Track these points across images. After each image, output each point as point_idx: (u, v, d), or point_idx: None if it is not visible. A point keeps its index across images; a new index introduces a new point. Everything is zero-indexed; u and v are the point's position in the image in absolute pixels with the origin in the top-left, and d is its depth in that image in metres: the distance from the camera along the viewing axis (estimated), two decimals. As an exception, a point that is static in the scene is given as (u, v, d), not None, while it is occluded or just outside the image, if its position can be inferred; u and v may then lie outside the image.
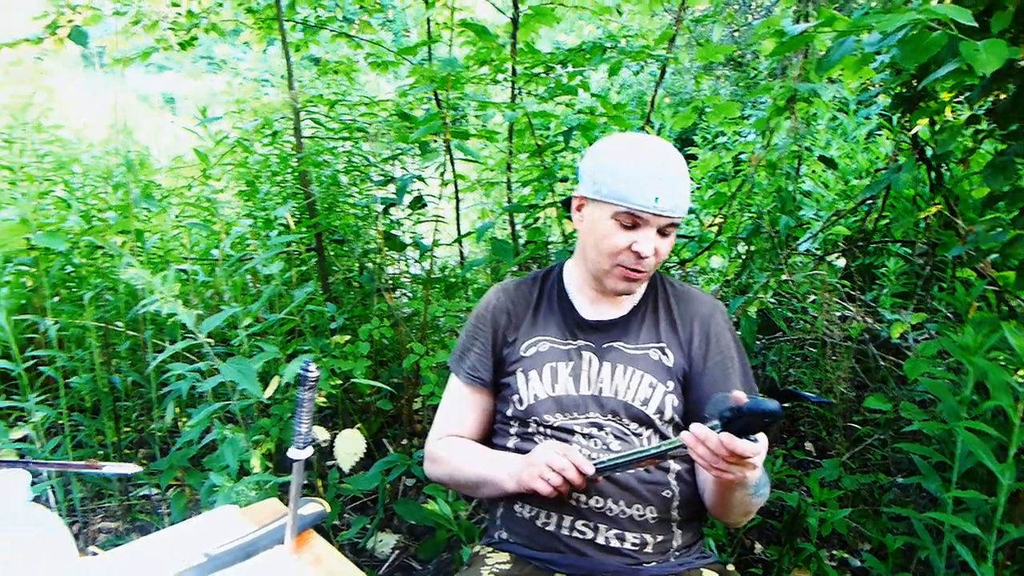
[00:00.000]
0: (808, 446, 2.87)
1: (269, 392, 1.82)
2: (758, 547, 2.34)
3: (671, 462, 1.32)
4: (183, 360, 2.20)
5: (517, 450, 1.37)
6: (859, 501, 2.38)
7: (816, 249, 3.07)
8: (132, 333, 2.52)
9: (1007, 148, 2.02)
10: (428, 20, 3.17)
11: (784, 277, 2.63)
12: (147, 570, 0.99)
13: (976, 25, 1.44)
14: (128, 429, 2.69)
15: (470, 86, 2.82)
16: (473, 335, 1.48)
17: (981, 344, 1.76)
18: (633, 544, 1.27)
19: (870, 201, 3.00)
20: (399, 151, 3.02)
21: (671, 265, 3.06)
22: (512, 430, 1.40)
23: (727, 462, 1.05)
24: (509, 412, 1.40)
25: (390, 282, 3.06)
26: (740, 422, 1.01)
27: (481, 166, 3.43)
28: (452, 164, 2.80)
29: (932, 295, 2.78)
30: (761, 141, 2.82)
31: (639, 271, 1.31)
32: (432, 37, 3.15)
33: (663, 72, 3.00)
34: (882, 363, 2.48)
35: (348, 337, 2.37)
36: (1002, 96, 2.10)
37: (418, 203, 2.91)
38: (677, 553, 1.31)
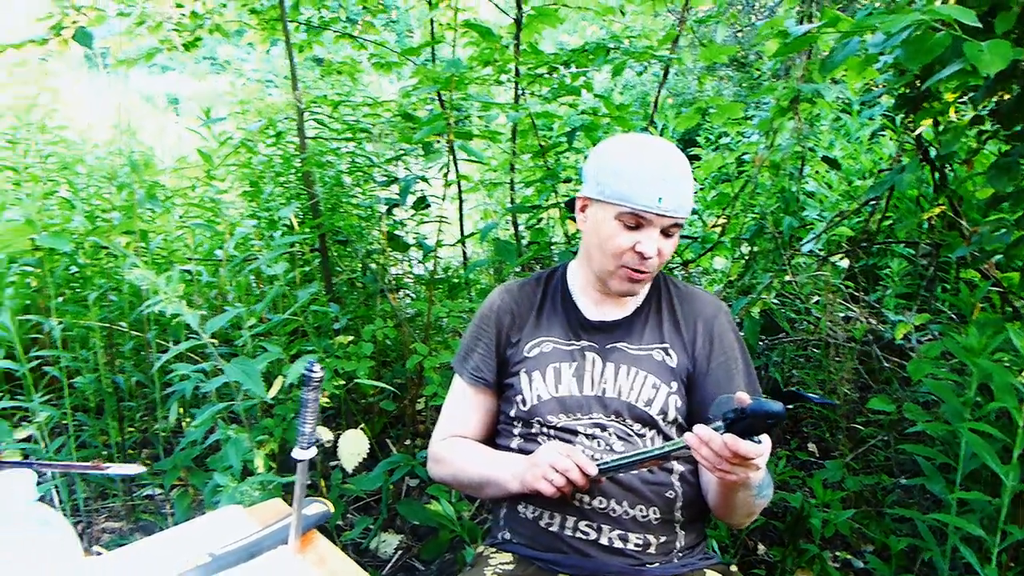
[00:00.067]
0: (811, 447, 2.87)
1: (273, 392, 1.82)
2: (761, 548, 2.34)
3: (674, 463, 1.32)
4: (187, 360, 2.20)
5: (520, 451, 1.37)
6: (862, 502, 2.37)
7: (819, 250, 3.06)
8: (136, 333, 2.52)
9: (1011, 149, 2.02)
10: (432, 21, 3.17)
11: (787, 278, 2.63)
12: (152, 570, 0.99)
13: (980, 26, 1.44)
14: (132, 429, 2.69)
15: (473, 87, 2.82)
16: (477, 336, 1.48)
17: (985, 345, 1.76)
18: (636, 545, 1.27)
19: (873, 202, 3.00)
20: (402, 152, 3.02)
21: (674, 266, 3.06)
22: (515, 431, 1.40)
23: (731, 463, 1.05)
24: (513, 413, 1.40)
25: (393, 283, 3.06)
26: (744, 423, 1.01)
27: (484, 167, 3.43)
28: (455, 165, 2.80)
29: (936, 296, 2.78)
30: (764, 142, 2.82)
31: (643, 271, 1.31)
32: (436, 38, 3.15)
33: (666, 73, 3.00)
34: (886, 364, 2.48)
35: (351, 337, 2.37)
36: (1006, 97, 2.10)
37: (422, 204, 2.91)
38: (680, 554, 1.31)
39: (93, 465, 1.07)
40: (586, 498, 1.28)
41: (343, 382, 2.28)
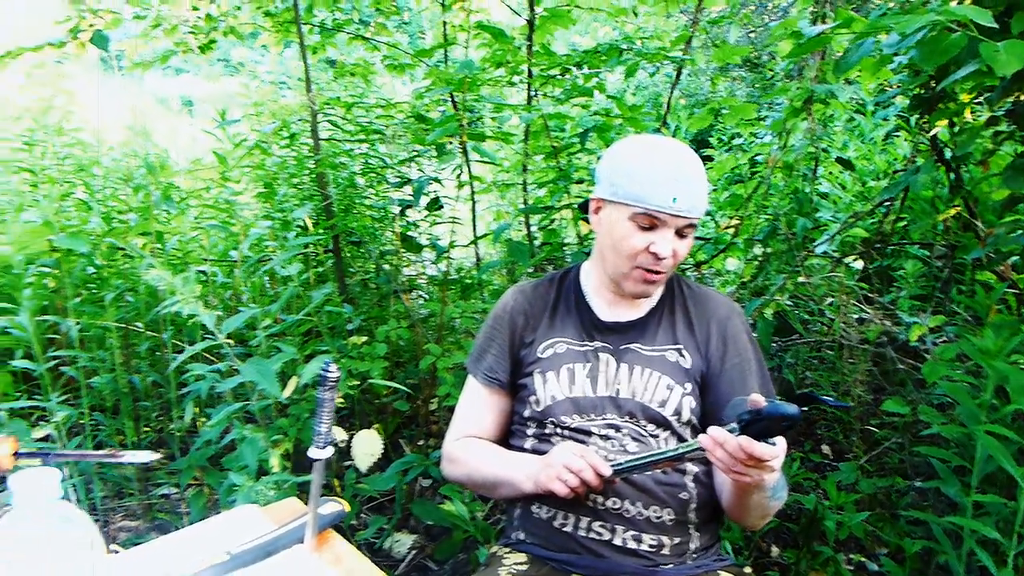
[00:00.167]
0: (825, 449, 2.86)
1: (287, 392, 1.83)
2: (775, 550, 2.33)
3: (688, 464, 1.32)
4: (202, 361, 2.22)
5: (534, 451, 1.37)
6: (876, 505, 2.36)
7: (833, 251, 3.05)
8: (152, 334, 2.55)
9: (1028, 150, 2.01)
10: (444, 23, 3.18)
11: (801, 279, 2.62)
12: (171, 568, 1.00)
13: (996, 26, 1.44)
14: (148, 429, 2.72)
15: (486, 88, 2.83)
16: (490, 336, 1.49)
17: (1001, 347, 1.75)
18: (650, 546, 1.27)
19: (888, 203, 2.98)
20: (416, 153, 3.03)
21: (686, 267, 3.05)
22: (529, 431, 1.41)
23: (745, 465, 1.05)
24: (526, 413, 1.40)
25: (406, 283, 3.07)
26: (759, 425, 1.01)
27: (497, 168, 3.44)
28: (468, 166, 2.81)
29: (951, 298, 2.76)
30: (778, 142, 2.81)
31: (657, 272, 1.31)
32: (448, 40, 3.16)
33: (679, 74, 3.00)
34: (900, 366, 2.46)
35: (365, 338, 2.38)
36: (1022, 97, 2.08)
37: (435, 205, 2.92)
38: (694, 555, 1.31)
39: (108, 453, 1.08)
40: (600, 499, 1.28)
41: (357, 382, 2.29)
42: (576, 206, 2.63)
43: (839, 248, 3.10)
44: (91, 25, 2.91)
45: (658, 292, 1.44)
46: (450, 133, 2.52)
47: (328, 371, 1.00)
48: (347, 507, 1.22)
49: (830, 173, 3.95)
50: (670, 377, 1.34)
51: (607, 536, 1.28)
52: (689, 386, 1.34)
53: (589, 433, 1.33)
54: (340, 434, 2.05)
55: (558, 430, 1.36)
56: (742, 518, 1.30)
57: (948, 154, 2.47)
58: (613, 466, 1.19)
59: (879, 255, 3.07)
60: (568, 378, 1.37)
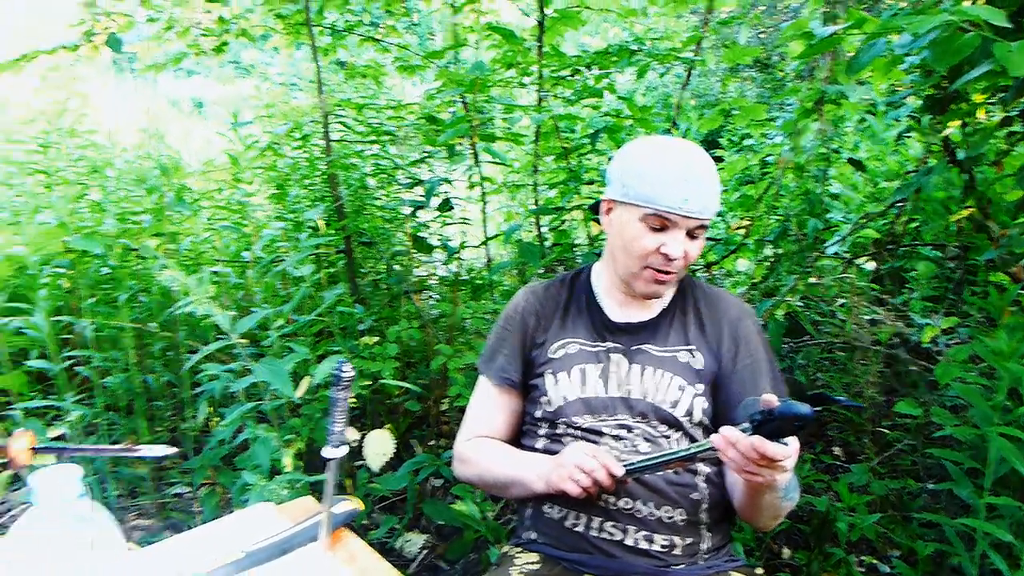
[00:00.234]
0: (836, 451, 2.85)
1: (300, 392, 1.84)
2: (786, 552, 2.33)
3: (700, 464, 1.32)
4: (214, 361, 2.23)
5: (546, 451, 1.37)
6: (888, 507, 2.35)
7: (845, 252, 3.04)
8: (165, 334, 2.56)
9: (1041, 150, 2.00)
10: (455, 25, 3.19)
11: (812, 280, 2.62)
12: (188, 565, 1.01)
13: (1010, 26, 1.43)
14: (161, 429, 2.73)
15: (496, 89, 2.83)
16: (502, 337, 1.49)
17: (1015, 349, 1.74)
18: (662, 546, 1.28)
19: (900, 204, 2.97)
20: (427, 154, 3.04)
21: (696, 267, 3.05)
22: (541, 431, 1.41)
23: (758, 465, 1.05)
24: (538, 413, 1.41)
25: (417, 284, 3.08)
26: (771, 425, 1.01)
27: (507, 169, 3.45)
28: (479, 167, 2.82)
29: (964, 299, 2.75)
30: (788, 143, 2.80)
31: (668, 272, 1.31)
32: (459, 41, 3.17)
33: (689, 74, 3.00)
34: (912, 368, 2.46)
35: (376, 338, 2.39)
36: (1036, 98, 2.07)
37: (446, 206, 2.93)
38: (706, 556, 1.31)
39: (124, 447, 1.09)
40: (611, 499, 1.29)
41: (368, 382, 2.30)
42: (587, 207, 2.63)
43: (850, 249, 3.09)
44: (105, 28, 2.93)
45: (670, 293, 1.44)
46: (461, 134, 2.53)
47: (342, 371, 1.01)
48: (361, 506, 1.22)
49: (841, 174, 3.93)
50: (682, 378, 1.35)
51: (619, 536, 1.28)
52: (701, 387, 1.35)
53: (601, 433, 1.33)
54: (352, 434, 2.07)
55: (570, 430, 1.36)
56: (754, 519, 1.30)
57: (961, 155, 2.45)
58: (625, 466, 1.19)
59: (891, 256, 3.06)
60: (580, 379, 1.37)
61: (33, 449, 1.03)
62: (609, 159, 1.56)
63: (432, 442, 2.74)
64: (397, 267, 3.01)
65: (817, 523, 2.18)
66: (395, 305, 3.00)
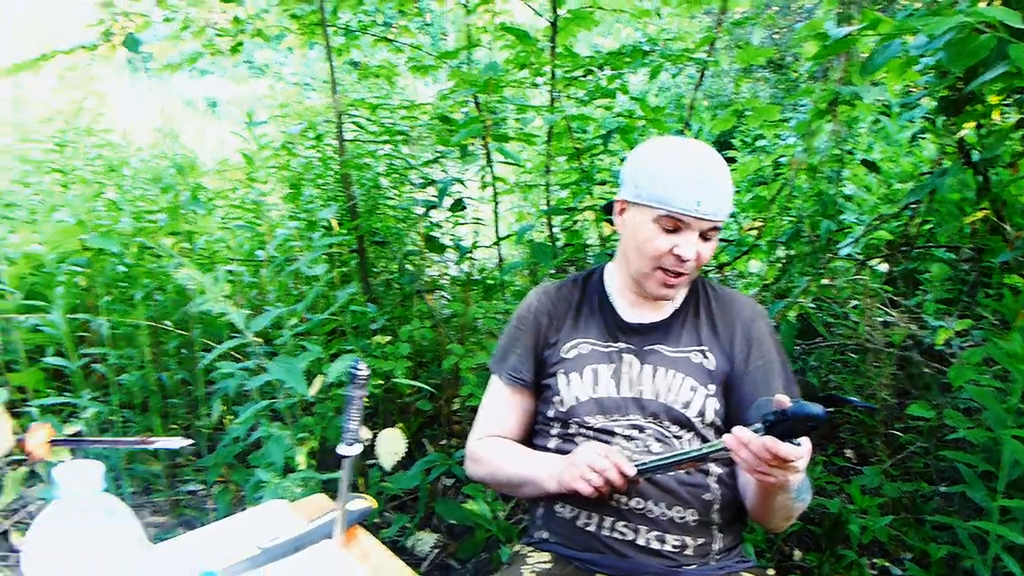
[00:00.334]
0: (848, 453, 2.84)
1: (313, 391, 1.85)
2: (797, 554, 2.32)
3: (712, 465, 1.32)
4: (227, 359, 2.25)
5: (558, 451, 1.38)
6: (900, 509, 2.34)
7: (858, 254, 3.03)
8: (180, 332, 2.59)
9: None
10: (468, 26, 3.20)
11: (825, 282, 2.61)
12: (205, 560, 1.02)
13: (1026, 28, 1.43)
14: (175, 426, 2.76)
15: (509, 89, 2.84)
16: (514, 336, 1.50)
17: (1029, 351, 1.73)
18: (673, 546, 1.28)
19: (914, 205, 2.96)
20: (439, 154, 3.05)
21: (708, 268, 3.05)
22: (553, 431, 1.41)
23: (770, 465, 1.05)
24: (550, 413, 1.41)
25: (429, 284, 3.10)
26: (783, 425, 1.02)
27: (519, 169, 3.45)
28: (491, 167, 2.83)
29: (978, 301, 2.73)
30: (802, 144, 2.79)
31: (680, 274, 1.32)
32: (472, 41, 3.18)
33: (702, 75, 3.00)
34: (925, 370, 2.45)
35: (389, 338, 2.40)
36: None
37: (458, 206, 2.94)
38: (717, 556, 1.31)
39: (140, 440, 1.11)
40: (623, 499, 1.29)
41: (381, 381, 2.31)
42: (599, 207, 2.64)
43: (864, 251, 3.08)
44: (123, 28, 2.96)
45: (682, 294, 1.44)
46: (474, 134, 2.54)
47: (358, 369, 1.02)
48: (374, 504, 1.24)
49: (855, 175, 3.92)
50: (694, 378, 1.35)
51: (630, 536, 1.28)
52: (713, 387, 1.35)
53: (613, 433, 1.34)
54: (364, 433, 2.07)
55: (582, 430, 1.36)
56: (765, 519, 1.30)
57: (976, 156, 2.44)
58: (637, 466, 1.20)
59: (904, 258, 3.05)
60: (592, 379, 1.38)
61: (51, 442, 1.04)
62: (621, 160, 1.57)
63: (444, 441, 2.75)
64: (409, 267, 3.03)
65: (829, 525, 2.17)
66: (407, 305, 3.01)
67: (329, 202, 2.90)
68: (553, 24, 2.75)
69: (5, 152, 3.59)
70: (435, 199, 2.85)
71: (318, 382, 1.89)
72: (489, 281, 3.13)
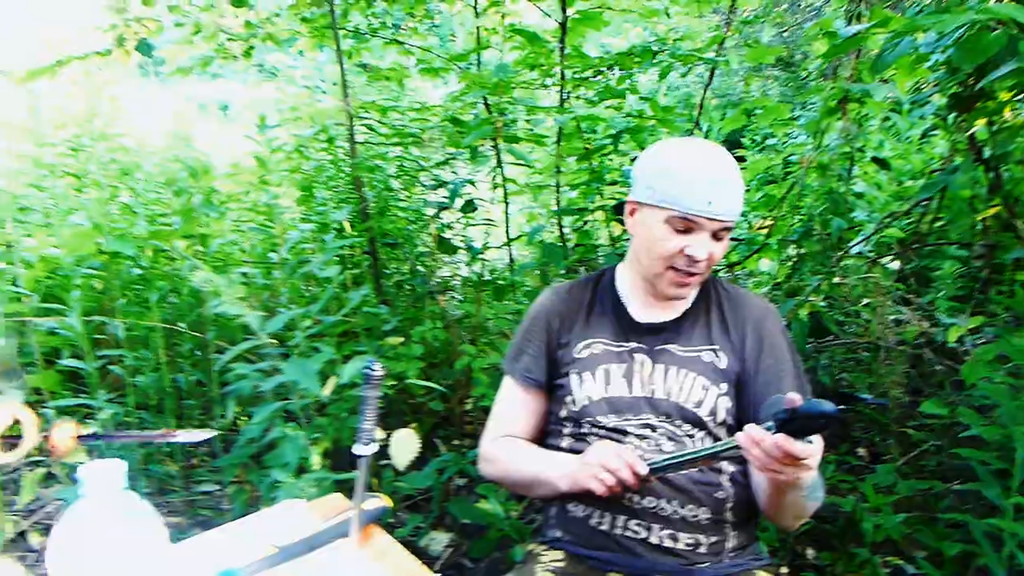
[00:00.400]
0: (861, 452, 2.84)
1: (327, 391, 1.87)
2: (810, 552, 2.32)
3: (724, 463, 1.33)
4: (242, 360, 2.27)
5: (571, 450, 1.38)
6: (914, 507, 2.34)
7: (869, 252, 3.02)
8: (194, 334, 2.61)
9: (1069, 148, 1.98)
10: (478, 28, 3.21)
11: (836, 280, 2.61)
12: (224, 558, 1.04)
13: (1037, 25, 1.43)
14: (190, 427, 2.78)
15: (518, 91, 2.85)
16: (527, 337, 1.50)
17: (1043, 348, 1.73)
18: (687, 545, 1.29)
19: (925, 203, 2.95)
20: (450, 156, 3.07)
21: (719, 268, 3.05)
22: (566, 431, 1.42)
23: (782, 463, 1.05)
24: (563, 413, 1.42)
25: (441, 285, 3.11)
26: (795, 423, 1.02)
27: (530, 170, 3.47)
28: (501, 168, 2.84)
29: (990, 298, 2.72)
30: (812, 142, 2.79)
31: (693, 274, 1.32)
32: (481, 43, 3.19)
33: (712, 74, 3.00)
34: (938, 367, 2.44)
35: (401, 339, 2.41)
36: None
37: (469, 207, 2.95)
38: (731, 554, 1.32)
39: (163, 433, 1.12)
40: (636, 497, 1.30)
41: (393, 382, 2.32)
42: (609, 208, 2.64)
43: (875, 249, 3.07)
44: (136, 33, 2.99)
45: (693, 293, 1.45)
46: (484, 136, 2.55)
47: (373, 370, 1.03)
48: (390, 503, 1.25)
49: (865, 173, 3.90)
50: (705, 377, 1.35)
51: (643, 534, 1.29)
52: (724, 386, 1.35)
53: (625, 433, 1.34)
54: (377, 433, 2.09)
55: (594, 430, 1.37)
56: (778, 518, 1.31)
57: (987, 153, 2.44)
58: (650, 465, 1.20)
59: (916, 255, 3.04)
60: (604, 378, 1.38)
61: (77, 437, 1.06)
62: (632, 160, 1.58)
63: (456, 442, 2.77)
64: (421, 268, 3.04)
65: (842, 523, 2.17)
66: (419, 306, 3.02)
67: (341, 204, 2.91)
68: (562, 25, 2.76)
69: (21, 156, 3.63)
70: (446, 201, 2.87)
71: (331, 383, 1.91)
72: (500, 282, 3.15)
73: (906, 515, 2.20)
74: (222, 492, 2.59)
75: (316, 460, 1.85)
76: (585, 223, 2.95)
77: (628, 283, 1.47)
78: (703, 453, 1.17)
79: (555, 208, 3.01)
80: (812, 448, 1.04)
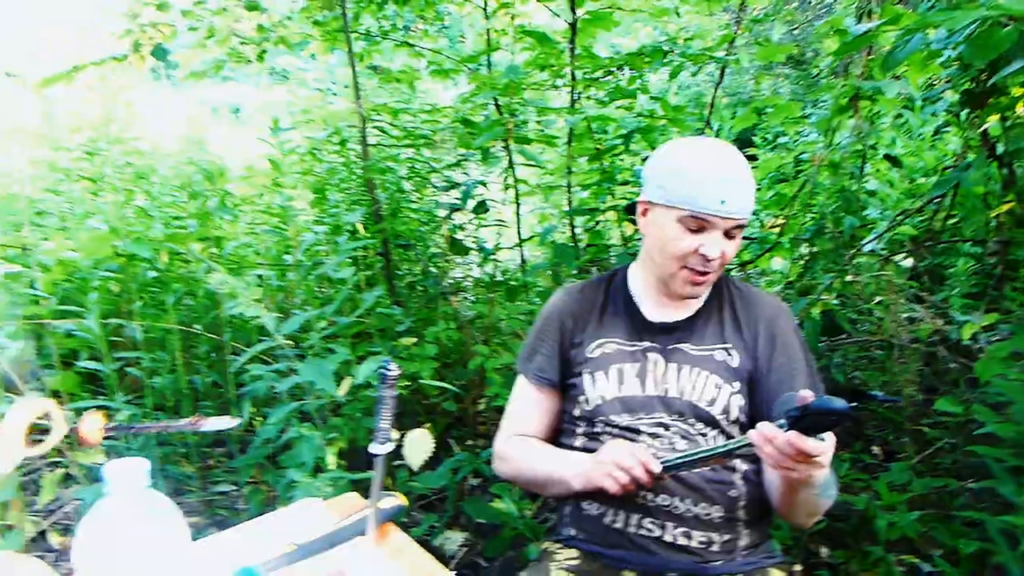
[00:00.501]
0: (875, 450, 2.83)
1: (342, 392, 1.88)
2: (824, 550, 2.32)
3: (737, 462, 1.33)
4: (257, 362, 2.29)
5: (584, 450, 1.39)
6: (928, 505, 2.33)
7: (882, 249, 3.01)
8: (211, 336, 2.63)
9: (1083, 144, 1.97)
10: (488, 30, 3.22)
11: (849, 278, 2.60)
12: (243, 556, 1.05)
13: (1048, 21, 1.42)
14: (206, 428, 2.80)
15: (529, 91, 2.86)
16: (540, 337, 1.51)
17: (1057, 345, 1.72)
18: (700, 543, 1.29)
19: (938, 200, 2.94)
20: (461, 157, 3.08)
21: (731, 266, 3.05)
22: (579, 430, 1.43)
23: (794, 461, 1.06)
24: (576, 412, 1.43)
25: (453, 286, 3.12)
26: (807, 421, 1.02)
27: (541, 170, 3.48)
28: (512, 169, 2.85)
29: (1005, 295, 2.71)
30: (823, 140, 2.79)
31: (705, 273, 1.33)
32: (491, 44, 3.21)
33: (723, 73, 3.00)
34: (952, 365, 2.43)
35: (415, 339, 2.43)
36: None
37: (481, 208, 2.96)
38: (744, 552, 1.32)
39: (190, 422, 1.13)
40: (650, 496, 1.30)
41: (407, 383, 2.34)
42: (621, 208, 2.65)
43: (888, 246, 3.06)
44: (150, 38, 3.02)
45: (706, 292, 1.45)
46: (495, 137, 2.56)
47: (388, 370, 1.04)
48: (405, 502, 1.26)
49: (877, 170, 3.89)
50: (718, 376, 1.36)
51: (657, 532, 1.30)
52: (737, 385, 1.36)
53: (638, 432, 1.35)
54: (392, 433, 2.10)
55: (608, 429, 1.38)
56: (791, 515, 1.31)
57: (1000, 149, 2.43)
58: (663, 463, 1.21)
59: (929, 253, 3.03)
60: (617, 378, 1.39)
61: (105, 428, 1.07)
62: (643, 159, 1.58)
63: (470, 441, 2.78)
64: (433, 269, 3.06)
65: (856, 521, 2.17)
66: (432, 306, 3.04)
67: (354, 206, 2.93)
68: (572, 25, 2.77)
69: (37, 161, 3.67)
70: (458, 202, 2.88)
71: (347, 383, 1.92)
72: (512, 283, 3.16)
73: (921, 513, 2.19)
74: (238, 492, 2.61)
75: (331, 460, 1.87)
76: (597, 223, 2.96)
77: (640, 283, 1.48)
78: (716, 451, 1.18)
79: (567, 208, 3.02)
80: (824, 445, 1.04)
